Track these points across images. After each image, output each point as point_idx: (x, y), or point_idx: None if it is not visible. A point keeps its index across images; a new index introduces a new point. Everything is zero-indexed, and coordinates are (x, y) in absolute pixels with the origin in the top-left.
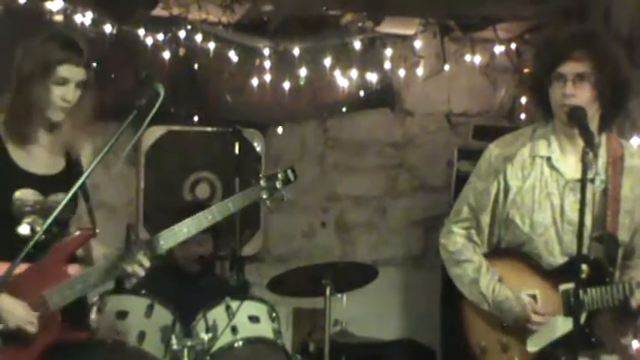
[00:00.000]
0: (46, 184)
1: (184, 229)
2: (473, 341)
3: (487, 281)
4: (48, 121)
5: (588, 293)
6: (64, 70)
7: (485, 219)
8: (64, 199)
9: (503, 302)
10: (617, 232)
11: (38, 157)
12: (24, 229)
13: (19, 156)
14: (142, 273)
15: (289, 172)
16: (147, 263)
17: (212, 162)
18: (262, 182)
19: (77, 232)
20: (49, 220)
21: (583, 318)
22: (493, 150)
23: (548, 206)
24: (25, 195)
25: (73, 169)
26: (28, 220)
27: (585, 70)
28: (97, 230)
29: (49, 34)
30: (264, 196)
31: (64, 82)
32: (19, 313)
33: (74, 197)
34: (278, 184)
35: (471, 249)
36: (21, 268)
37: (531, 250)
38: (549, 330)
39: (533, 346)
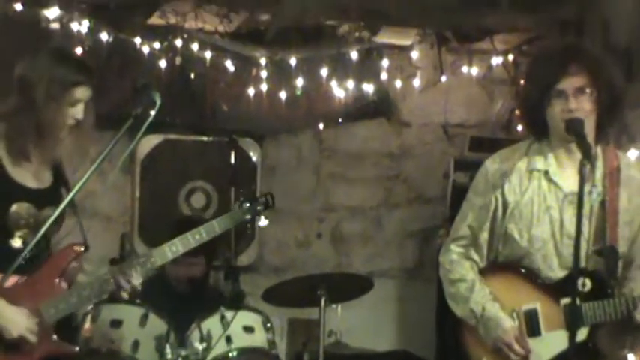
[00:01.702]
0: (40, 198)
1: (173, 248)
2: (474, 358)
3: (479, 298)
4: (54, 139)
5: (590, 307)
6: (79, 92)
7: (484, 235)
8: (55, 213)
9: (490, 320)
10: (617, 244)
11: (31, 171)
12: (16, 242)
13: (14, 170)
14: (130, 288)
15: (269, 197)
16: (138, 279)
17: (208, 171)
18: (245, 205)
19: (70, 246)
20: (41, 232)
21: (586, 332)
22: (489, 166)
23: (547, 220)
24: (21, 209)
25: (60, 182)
26: (20, 233)
27: (584, 83)
28: (88, 245)
29: (57, 53)
30: (248, 218)
31: (76, 102)
32: (21, 321)
33: (63, 211)
34: (259, 208)
35: (466, 267)
36: (14, 280)
37: (530, 264)
38: (552, 344)
39: None
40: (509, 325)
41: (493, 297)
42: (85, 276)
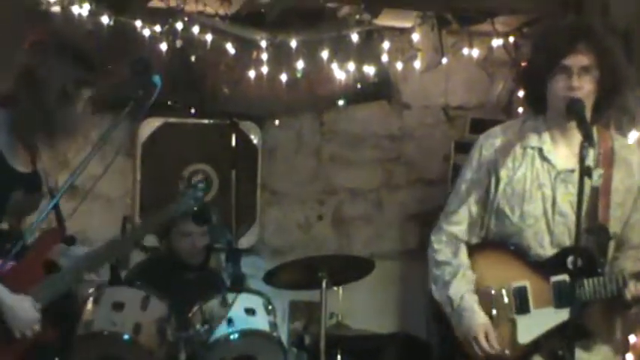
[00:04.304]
0: (29, 183)
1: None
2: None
3: (461, 285)
4: (63, 136)
5: (581, 285)
6: (87, 91)
7: (476, 210)
8: (38, 196)
9: (464, 311)
10: (609, 224)
11: (18, 155)
12: (4, 226)
13: (8, 154)
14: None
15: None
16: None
17: (208, 154)
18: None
19: (53, 231)
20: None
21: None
22: (484, 142)
23: (539, 197)
24: (18, 195)
25: (37, 166)
26: (8, 217)
27: (589, 63)
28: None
29: (68, 48)
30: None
31: (81, 100)
32: (31, 312)
33: (40, 196)
34: (199, 194)
35: (454, 250)
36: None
37: (520, 241)
38: (541, 322)
39: (524, 338)
40: (483, 320)
41: (475, 289)
42: (66, 260)
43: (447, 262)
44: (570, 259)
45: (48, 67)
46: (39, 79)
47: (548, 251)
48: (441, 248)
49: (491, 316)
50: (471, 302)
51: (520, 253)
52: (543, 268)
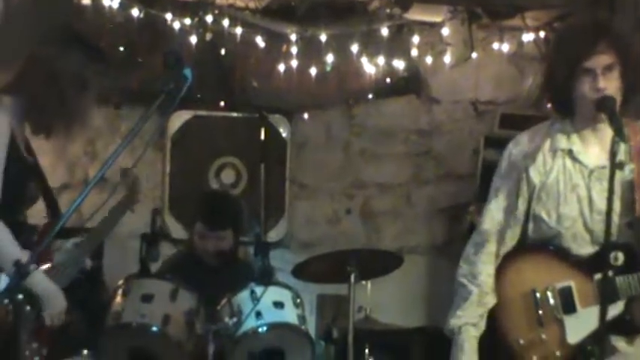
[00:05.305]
0: (35, 173)
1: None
2: (510, 339)
3: (466, 315)
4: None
5: (624, 280)
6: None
7: (503, 216)
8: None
9: (456, 345)
10: None
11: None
12: (22, 218)
13: (20, 144)
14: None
15: None
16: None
17: (238, 147)
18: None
19: (47, 226)
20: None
21: (622, 305)
22: (512, 149)
23: (575, 199)
24: (32, 186)
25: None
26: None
27: (612, 61)
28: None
29: (87, 46)
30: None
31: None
32: (62, 303)
33: (38, 188)
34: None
35: (476, 272)
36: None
37: (559, 244)
38: (588, 320)
39: (574, 338)
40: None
41: (480, 320)
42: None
43: (463, 284)
44: (612, 255)
45: (66, 56)
46: (57, 66)
47: (589, 250)
48: (464, 267)
49: (537, 318)
50: (464, 337)
51: (561, 254)
52: (586, 266)
